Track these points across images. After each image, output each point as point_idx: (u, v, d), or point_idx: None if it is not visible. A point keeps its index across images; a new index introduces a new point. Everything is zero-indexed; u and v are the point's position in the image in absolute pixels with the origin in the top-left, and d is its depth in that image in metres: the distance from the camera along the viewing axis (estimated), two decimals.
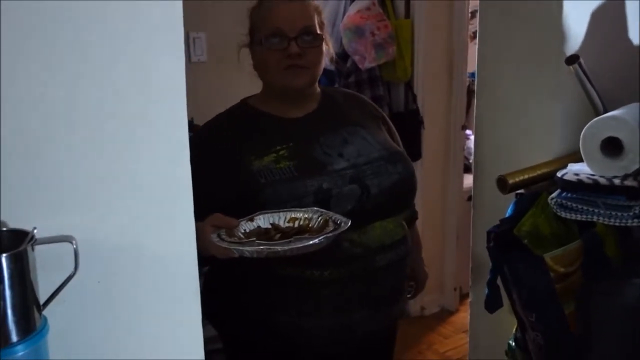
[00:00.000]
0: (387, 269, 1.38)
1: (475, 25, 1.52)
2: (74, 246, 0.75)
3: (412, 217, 1.59)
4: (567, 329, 1.10)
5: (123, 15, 0.82)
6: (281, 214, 1.24)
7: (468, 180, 2.89)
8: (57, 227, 0.78)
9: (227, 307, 1.46)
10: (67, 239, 0.75)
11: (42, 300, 0.75)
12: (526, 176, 1.24)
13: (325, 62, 1.45)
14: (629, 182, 1.06)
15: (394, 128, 1.61)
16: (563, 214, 1.11)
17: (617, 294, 1.03)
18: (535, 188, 1.25)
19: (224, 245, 1.12)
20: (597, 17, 1.26)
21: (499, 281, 1.27)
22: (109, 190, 0.84)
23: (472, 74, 3.17)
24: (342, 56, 2.92)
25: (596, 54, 1.26)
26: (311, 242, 1.11)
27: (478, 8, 1.48)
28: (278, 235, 1.17)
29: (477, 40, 1.50)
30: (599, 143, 1.09)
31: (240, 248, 1.11)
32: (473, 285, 1.60)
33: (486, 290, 1.30)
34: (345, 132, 1.44)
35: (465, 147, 3.32)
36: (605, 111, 1.19)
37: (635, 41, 1.30)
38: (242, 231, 1.20)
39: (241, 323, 1.43)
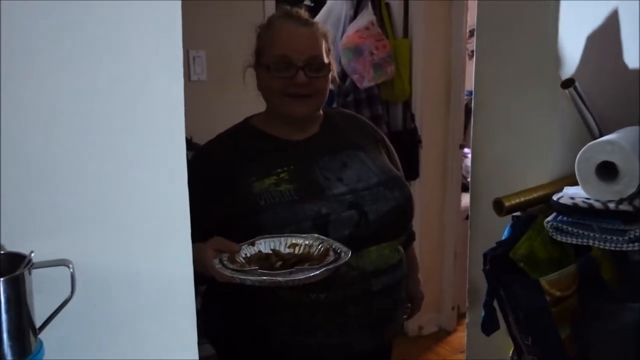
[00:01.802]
0: (383, 292, 1.39)
1: (473, 44, 1.54)
2: (71, 270, 0.75)
3: (410, 239, 1.60)
4: (563, 353, 1.10)
5: (122, 32, 0.83)
6: (282, 239, 1.24)
7: (466, 199, 2.89)
8: (54, 250, 0.78)
9: (224, 326, 1.47)
10: (64, 262, 0.76)
11: (38, 324, 0.75)
12: (522, 199, 1.24)
13: (331, 86, 1.46)
14: (624, 207, 1.06)
15: (393, 150, 1.62)
16: (559, 238, 1.11)
17: (613, 318, 1.03)
18: (532, 211, 1.26)
19: (227, 273, 1.13)
20: (592, 41, 1.28)
21: (495, 304, 1.28)
22: (106, 213, 0.85)
23: (470, 92, 3.19)
24: (341, 75, 2.94)
25: (592, 77, 1.27)
26: (312, 274, 1.12)
27: (475, 27, 1.50)
28: (279, 263, 1.17)
29: (474, 59, 1.51)
30: (594, 167, 1.09)
31: (243, 277, 1.12)
32: (470, 306, 1.60)
33: (482, 313, 1.30)
34: (345, 155, 1.44)
35: (463, 166, 3.33)
36: (601, 135, 1.20)
37: (630, 65, 1.31)
38: (243, 255, 1.21)
39: (238, 342, 1.44)
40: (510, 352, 1.30)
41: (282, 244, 1.24)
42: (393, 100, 3.09)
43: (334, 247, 1.21)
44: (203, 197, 1.34)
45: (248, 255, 1.21)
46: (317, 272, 1.12)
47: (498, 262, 1.20)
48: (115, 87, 0.83)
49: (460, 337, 3.14)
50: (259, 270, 1.12)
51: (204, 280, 1.24)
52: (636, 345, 1.01)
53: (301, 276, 1.11)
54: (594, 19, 1.27)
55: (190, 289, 0.95)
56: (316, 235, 1.25)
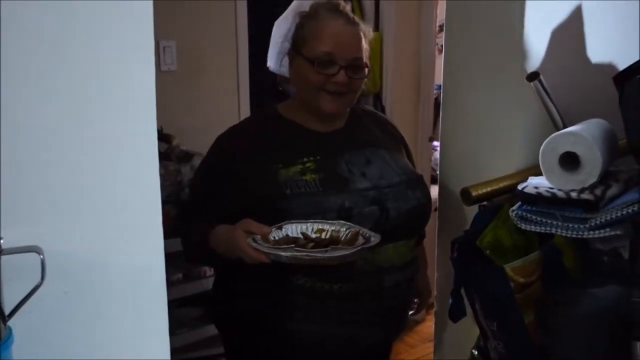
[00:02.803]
0: (394, 288, 1.40)
1: (442, 38, 1.57)
2: (41, 257, 0.75)
3: (421, 237, 1.61)
4: (527, 337, 1.14)
5: (93, 22, 0.82)
6: (309, 224, 1.27)
7: (435, 191, 2.93)
8: (23, 237, 0.78)
9: (234, 310, 1.48)
10: (34, 249, 0.75)
11: (7, 311, 0.75)
12: (489, 189, 1.27)
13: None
14: (585, 196, 1.09)
15: (410, 150, 1.64)
16: (523, 226, 1.14)
17: (574, 303, 1.06)
18: (498, 200, 1.29)
19: (264, 249, 1.15)
20: (556, 36, 1.31)
21: (462, 291, 1.31)
22: (76, 200, 0.84)
23: (440, 86, 3.23)
24: None
25: (556, 71, 1.30)
26: (349, 252, 1.14)
27: (444, 22, 1.52)
28: (311, 245, 1.19)
29: (443, 53, 1.54)
30: (557, 157, 1.13)
31: (282, 254, 1.14)
32: (438, 295, 1.63)
33: (450, 300, 1.33)
34: (368, 152, 1.45)
35: (432, 159, 3.37)
36: (564, 126, 1.23)
37: (593, 59, 1.35)
38: (272, 238, 1.23)
39: (246, 327, 1.46)
40: (477, 338, 1.34)
41: (309, 229, 1.26)
42: (364, 93, 3.11)
43: (361, 232, 1.23)
44: (229, 178, 1.40)
45: (276, 238, 1.23)
46: (354, 250, 1.14)
47: (465, 250, 1.23)
48: (87, 76, 0.83)
49: (429, 326, 3.17)
50: (295, 248, 1.13)
51: (222, 262, 1.33)
52: (597, 329, 1.05)
53: (338, 254, 1.12)
54: (558, 15, 1.31)
55: (162, 278, 0.95)
56: (342, 221, 1.27)
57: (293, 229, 1.26)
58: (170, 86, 2.46)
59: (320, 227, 1.26)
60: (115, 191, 0.87)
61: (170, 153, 2.25)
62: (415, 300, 1.64)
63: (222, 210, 1.39)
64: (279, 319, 1.39)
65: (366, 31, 1.44)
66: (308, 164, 1.38)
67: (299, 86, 1.43)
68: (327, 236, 1.23)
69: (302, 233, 1.25)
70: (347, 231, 1.23)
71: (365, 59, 1.42)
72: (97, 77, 0.84)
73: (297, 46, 1.41)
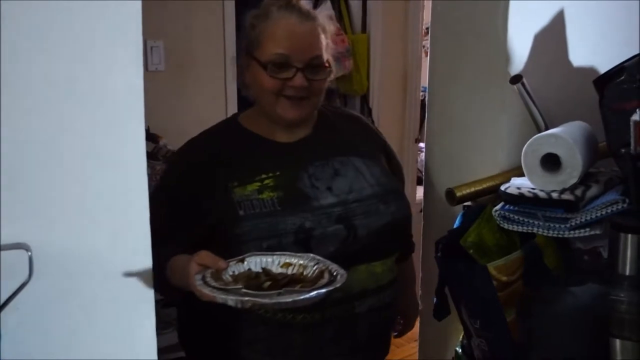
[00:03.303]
0: (368, 315, 1.27)
1: (429, 41, 1.59)
2: (29, 253, 0.76)
3: (408, 250, 1.51)
4: (509, 335, 1.16)
5: (81, 23, 0.83)
6: (275, 257, 1.13)
7: (421, 192, 2.96)
8: (12, 235, 0.78)
9: (197, 339, 1.39)
10: (22, 246, 0.76)
11: None
12: (473, 189, 1.29)
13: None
14: (566, 196, 1.12)
15: (395, 155, 1.49)
16: (505, 226, 1.17)
17: (555, 301, 1.08)
18: (482, 201, 1.31)
19: (206, 291, 1.00)
20: (539, 40, 1.34)
21: (446, 290, 1.33)
22: (64, 197, 0.85)
23: (426, 88, 3.26)
24: None
25: (539, 74, 1.32)
26: (301, 297, 0.99)
27: (430, 25, 1.54)
28: (268, 284, 1.06)
29: (428, 56, 1.56)
30: (539, 159, 1.15)
31: (224, 297, 0.99)
32: (423, 294, 1.65)
33: (434, 299, 1.35)
34: (338, 162, 1.31)
35: (418, 160, 3.40)
36: (546, 128, 1.26)
37: (575, 63, 1.38)
38: (231, 273, 1.09)
39: (211, 356, 1.37)
40: (461, 336, 1.36)
41: (274, 263, 1.12)
42: (351, 94, 3.13)
43: (330, 268, 1.09)
44: (182, 200, 1.26)
45: (236, 273, 1.09)
46: (306, 295, 0.99)
47: (449, 249, 1.24)
48: (75, 76, 0.84)
49: (415, 326, 3.20)
50: (243, 290, 1.00)
51: (183, 293, 1.13)
52: (576, 327, 1.08)
53: (288, 299, 0.98)
54: (542, 19, 1.33)
55: (149, 276, 0.96)
56: (312, 255, 1.13)
57: (257, 263, 1.12)
58: (157, 86, 2.46)
59: (287, 260, 1.12)
60: (103, 190, 0.88)
61: (157, 153, 2.26)
62: (400, 321, 1.54)
63: (181, 237, 1.23)
64: (237, 350, 1.28)
65: (325, 25, 1.30)
66: (267, 181, 1.25)
67: (255, 93, 1.29)
68: (294, 271, 1.10)
69: (263, 268, 1.11)
70: (315, 267, 1.10)
71: (327, 57, 1.29)
72: (86, 77, 0.84)
73: (249, 49, 1.27)
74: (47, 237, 0.83)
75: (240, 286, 1.02)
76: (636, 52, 1.16)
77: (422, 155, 3.46)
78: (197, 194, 1.26)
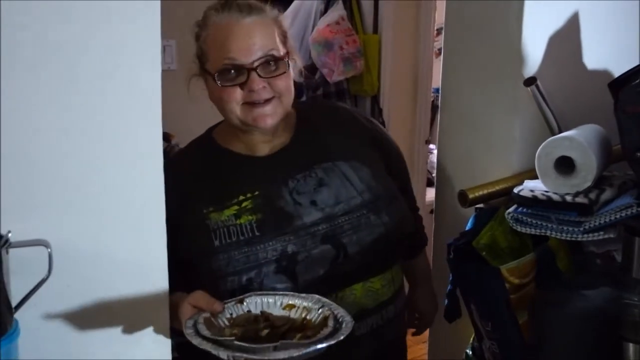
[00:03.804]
0: (370, 335, 1.19)
1: (440, 42, 1.58)
2: (49, 250, 0.76)
3: (417, 248, 1.40)
4: (521, 337, 1.15)
5: (101, 25, 0.84)
6: (277, 297, 1.05)
7: (431, 193, 2.95)
8: (31, 232, 0.79)
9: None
10: (42, 242, 0.77)
11: (14, 303, 0.76)
12: (485, 191, 1.29)
13: (296, 79, 1.22)
14: (579, 199, 1.11)
15: (393, 148, 1.38)
16: (518, 228, 1.16)
17: (567, 304, 1.08)
18: (494, 203, 1.31)
19: (196, 342, 0.91)
20: (553, 42, 1.33)
21: (458, 292, 1.33)
22: (83, 196, 0.86)
23: (437, 90, 3.25)
24: (311, 69, 2.97)
25: (553, 76, 1.32)
26: (296, 354, 0.91)
27: (443, 25, 1.54)
28: (266, 332, 0.97)
29: (442, 57, 1.56)
30: (553, 162, 1.15)
31: (216, 351, 0.90)
32: None
33: (446, 301, 1.35)
34: (321, 170, 1.19)
35: (428, 161, 3.39)
36: (560, 131, 1.25)
37: (589, 66, 1.37)
38: (228, 315, 1.00)
39: None
40: (471, 338, 1.36)
41: (276, 304, 1.04)
42: (362, 94, 3.13)
43: (336, 314, 1.00)
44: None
45: (234, 315, 1.01)
46: (303, 351, 0.90)
47: (461, 251, 1.24)
48: (95, 77, 0.85)
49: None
50: (237, 343, 0.91)
51: (180, 333, 1.00)
52: (588, 330, 1.07)
53: (283, 356, 0.90)
54: (556, 21, 1.33)
55: (164, 273, 0.97)
56: (317, 297, 1.04)
57: (257, 304, 1.03)
58: (169, 85, 2.47)
59: (290, 302, 1.03)
60: (121, 187, 0.89)
61: (169, 151, 2.26)
62: (417, 318, 1.45)
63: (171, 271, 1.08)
64: None
65: (273, 17, 1.17)
66: (245, 203, 1.14)
67: (221, 109, 1.18)
68: (296, 314, 1.02)
69: (262, 312, 1.02)
70: (320, 311, 1.00)
71: (283, 49, 1.15)
72: (105, 78, 0.86)
73: (202, 64, 1.18)
74: (65, 234, 0.84)
75: (233, 337, 0.93)
76: None
77: (432, 156, 3.47)
78: (171, 226, 1.08)
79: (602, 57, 1.37)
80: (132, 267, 0.92)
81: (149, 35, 0.87)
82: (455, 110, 1.52)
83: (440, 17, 3.04)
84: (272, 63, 1.13)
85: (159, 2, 0.87)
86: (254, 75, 1.11)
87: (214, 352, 0.90)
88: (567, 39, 1.34)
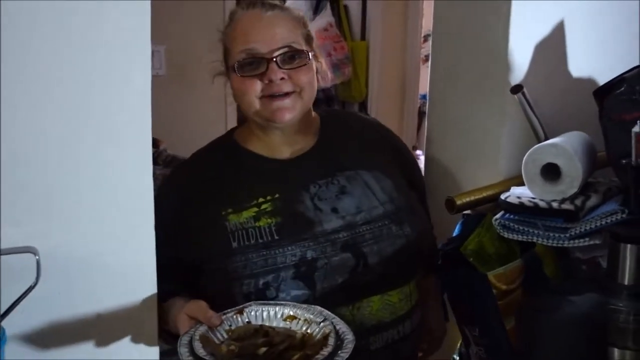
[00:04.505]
0: (385, 350, 1.15)
1: (427, 48, 1.59)
2: (37, 257, 0.76)
3: (432, 266, 1.31)
4: (508, 343, 1.16)
5: (91, 29, 0.84)
6: (278, 308, 1.01)
7: None
8: (19, 239, 0.79)
9: None
10: (30, 250, 0.76)
11: (1, 311, 0.76)
12: (473, 198, 1.30)
13: (319, 82, 1.20)
14: (566, 206, 1.13)
15: (413, 160, 1.37)
16: (506, 235, 1.17)
17: (553, 310, 1.09)
18: (481, 209, 1.31)
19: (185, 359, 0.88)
20: (540, 50, 1.35)
21: (445, 297, 1.33)
22: (71, 202, 0.86)
23: (424, 96, 3.28)
24: None
25: (539, 84, 1.34)
26: None
27: (431, 32, 1.55)
28: (263, 350, 0.93)
29: (429, 63, 1.57)
30: (539, 168, 1.16)
31: None
32: None
33: None
34: (343, 178, 1.18)
35: None
36: (546, 138, 1.27)
37: (574, 74, 1.39)
38: (227, 327, 0.97)
39: None
40: (459, 344, 1.36)
41: (277, 315, 1.01)
42: (350, 101, 3.15)
43: (338, 330, 0.96)
44: (171, 234, 1.11)
45: (233, 327, 0.97)
46: None
47: (449, 257, 1.25)
48: (84, 81, 0.84)
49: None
50: None
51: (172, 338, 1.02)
52: (575, 335, 1.08)
53: None
54: (542, 29, 1.34)
55: (153, 280, 0.97)
56: (319, 308, 1.01)
57: (257, 315, 1.00)
58: (158, 91, 2.46)
59: (291, 312, 1.00)
60: (110, 194, 0.88)
61: (157, 157, 2.26)
62: (425, 340, 1.36)
63: (171, 275, 1.09)
64: None
65: (297, 15, 1.18)
66: (264, 206, 1.13)
67: (241, 104, 1.17)
68: (297, 326, 0.99)
69: (262, 325, 0.99)
70: (322, 326, 0.97)
71: (305, 47, 1.16)
72: (94, 84, 0.85)
73: (226, 60, 1.19)
74: (54, 241, 0.83)
75: (229, 356, 0.89)
76: (636, 64, 1.18)
77: (419, 162, 3.48)
78: (187, 226, 1.14)
79: (587, 65, 1.39)
80: (121, 275, 0.91)
81: (139, 40, 0.87)
82: (442, 117, 1.53)
83: (427, 24, 3.06)
84: (293, 56, 1.13)
85: (149, 7, 0.87)
86: (273, 65, 1.10)
87: None
88: (553, 47, 1.36)
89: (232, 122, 2.66)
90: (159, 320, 1.05)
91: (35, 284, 0.77)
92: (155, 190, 0.97)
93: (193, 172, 1.22)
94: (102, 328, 0.91)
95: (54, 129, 0.82)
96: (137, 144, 0.90)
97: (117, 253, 0.90)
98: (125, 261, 0.91)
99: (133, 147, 0.90)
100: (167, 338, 1.10)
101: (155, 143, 2.28)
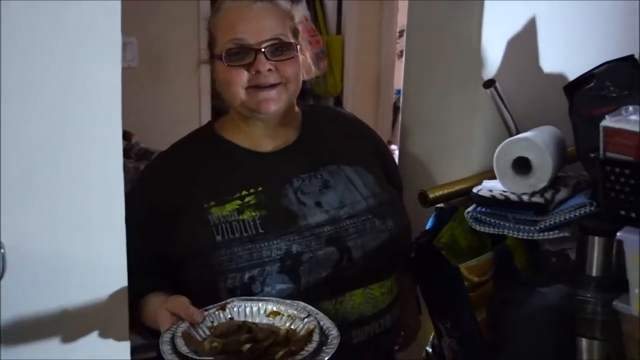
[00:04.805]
0: (367, 344, 1.16)
1: (402, 44, 1.60)
2: (2, 251, 0.74)
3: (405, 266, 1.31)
4: (479, 334, 1.18)
5: (59, 18, 0.82)
6: (261, 303, 1.01)
7: None
8: None
9: None
10: None
11: None
12: (445, 191, 1.31)
13: (303, 75, 1.20)
14: (536, 199, 1.14)
15: (391, 156, 1.39)
16: (477, 227, 1.19)
17: (523, 301, 1.11)
18: (454, 203, 1.33)
19: (168, 358, 0.87)
20: (512, 45, 1.36)
21: (418, 289, 1.34)
22: (38, 195, 0.84)
23: (399, 91, 3.30)
24: None
25: (511, 79, 1.35)
26: None
27: (406, 29, 1.56)
28: (247, 346, 0.91)
29: (403, 59, 1.58)
30: (510, 162, 1.17)
31: None
32: None
33: None
34: (326, 172, 1.19)
35: None
36: (518, 132, 1.28)
37: (545, 69, 1.41)
38: (210, 323, 0.96)
39: None
40: (431, 336, 1.38)
41: (260, 311, 1.00)
42: (325, 95, 3.15)
43: (322, 326, 0.96)
44: (151, 227, 1.12)
45: (215, 323, 0.96)
46: None
47: (422, 250, 1.26)
48: (51, 73, 0.82)
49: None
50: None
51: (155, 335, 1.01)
52: (544, 326, 1.10)
53: None
54: (514, 25, 1.36)
55: (123, 274, 0.96)
56: (302, 304, 1.00)
57: (240, 312, 0.99)
58: (130, 83, 2.43)
59: (274, 308, 1.00)
60: (78, 187, 0.87)
61: (129, 150, 2.23)
62: (401, 334, 1.37)
63: (151, 269, 1.11)
64: None
65: (285, 8, 1.18)
66: (248, 199, 1.12)
67: (225, 94, 1.16)
68: (281, 322, 0.98)
69: (245, 322, 0.97)
70: (305, 322, 0.96)
71: (293, 40, 1.16)
72: (63, 75, 0.83)
73: (211, 50, 1.18)
74: (20, 235, 0.81)
75: (212, 358, 0.87)
76: (606, 60, 1.20)
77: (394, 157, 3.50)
78: (167, 219, 1.13)
79: (558, 61, 1.41)
80: (90, 269, 0.90)
81: (109, 31, 0.85)
82: (416, 112, 1.54)
83: (402, 19, 3.07)
84: (281, 48, 1.13)
85: None
86: (260, 56, 1.11)
87: None
88: (525, 43, 1.38)
89: (206, 115, 2.64)
90: (138, 315, 1.05)
91: (1, 277, 0.75)
92: (129, 183, 0.95)
93: (173, 164, 1.20)
94: (69, 323, 0.90)
95: (19, 123, 0.81)
96: (107, 136, 0.89)
97: (85, 247, 0.88)
98: (93, 255, 0.90)
99: (102, 140, 0.88)
100: (144, 333, 1.08)
101: (127, 136, 2.25)
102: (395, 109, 3.33)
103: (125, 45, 2.57)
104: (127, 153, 2.22)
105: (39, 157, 0.83)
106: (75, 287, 0.89)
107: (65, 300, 0.88)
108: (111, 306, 0.94)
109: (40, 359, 0.87)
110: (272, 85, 1.12)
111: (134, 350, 1.03)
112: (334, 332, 0.94)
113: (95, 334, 0.93)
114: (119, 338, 0.98)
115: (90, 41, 0.84)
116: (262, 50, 1.11)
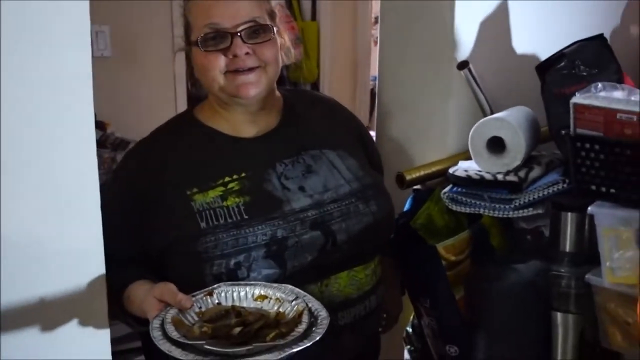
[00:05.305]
0: (352, 326, 1.17)
1: (377, 30, 1.61)
2: None
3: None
4: (458, 312, 1.20)
5: (27, 7, 0.81)
6: (248, 288, 1.01)
7: None
8: None
9: None
10: None
11: None
12: (422, 173, 1.33)
13: (283, 59, 1.19)
14: (510, 178, 1.16)
15: (372, 140, 1.41)
16: (454, 207, 1.20)
17: (500, 279, 1.13)
18: (430, 184, 1.34)
19: (164, 348, 0.86)
20: (485, 27, 1.38)
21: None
22: (11, 183, 0.83)
23: (375, 78, 3.31)
24: None
25: (484, 60, 1.37)
26: (273, 358, 0.86)
27: (379, 14, 1.56)
28: (238, 329, 0.91)
29: (378, 44, 1.58)
30: (485, 142, 1.19)
31: (184, 357, 0.85)
32: None
33: None
34: (309, 157, 1.19)
35: None
36: (492, 113, 1.30)
37: (518, 50, 1.43)
38: (197, 309, 0.96)
39: None
40: (411, 316, 1.39)
41: (248, 295, 1.00)
42: (301, 82, 3.14)
43: (310, 307, 0.97)
44: (133, 215, 1.11)
45: (203, 309, 0.96)
46: (279, 357, 0.86)
47: (400, 231, 1.28)
48: (21, 63, 0.81)
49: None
50: (206, 347, 0.85)
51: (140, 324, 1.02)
52: (520, 302, 1.13)
53: (259, 358, 0.85)
54: (487, 7, 1.37)
55: (100, 262, 0.95)
56: (290, 287, 1.01)
57: (228, 296, 0.99)
58: (103, 72, 2.40)
59: (262, 292, 1.00)
60: (52, 176, 0.86)
61: (104, 140, 2.21)
62: (383, 317, 1.36)
63: (134, 257, 1.11)
64: None
65: None
66: (231, 185, 1.12)
67: (204, 80, 1.15)
68: (269, 306, 0.98)
69: (234, 306, 0.97)
70: (294, 304, 0.97)
71: (270, 22, 1.14)
72: (32, 63, 0.82)
73: (187, 37, 1.17)
74: None
75: (204, 342, 0.87)
76: (576, 39, 1.22)
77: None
78: (150, 207, 1.12)
79: (529, 42, 1.42)
80: (66, 257, 0.89)
81: (77, 16, 0.84)
82: (392, 96, 1.55)
83: (377, 5, 3.07)
84: (257, 30, 1.12)
85: None
86: (237, 40, 1.09)
87: (183, 358, 0.84)
88: (497, 24, 1.39)
89: (182, 102, 2.62)
90: (124, 305, 1.04)
91: None
92: (105, 173, 0.95)
93: (153, 152, 1.18)
94: (47, 312, 0.89)
95: None
96: (79, 126, 0.88)
97: (61, 236, 0.88)
98: (70, 243, 0.89)
99: (75, 129, 0.87)
100: (130, 322, 1.08)
101: (102, 126, 2.23)
102: (373, 95, 3.34)
103: (97, 34, 2.54)
104: (102, 143, 2.21)
105: (13, 146, 0.82)
106: (52, 276, 0.89)
107: (42, 289, 0.88)
108: (90, 295, 0.94)
109: (19, 348, 0.86)
110: (251, 69, 1.11)
111: (118, 340, 1.02)
112: (322, 312, 0.95)
113: (74, 322, 0.93)
114: (98, 326, 0.98)
115: (57, 25, 0.82)
116: (239, 33, 1.09)
